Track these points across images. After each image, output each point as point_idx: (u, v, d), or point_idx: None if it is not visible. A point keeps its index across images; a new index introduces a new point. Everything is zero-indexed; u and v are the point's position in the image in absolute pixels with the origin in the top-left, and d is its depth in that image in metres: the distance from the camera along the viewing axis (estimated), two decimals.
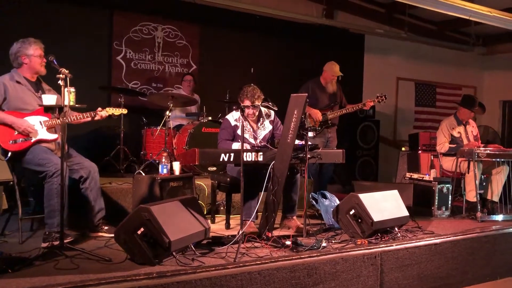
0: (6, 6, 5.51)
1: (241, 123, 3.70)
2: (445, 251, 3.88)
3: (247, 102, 4.09)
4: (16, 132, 3.52)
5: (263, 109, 4.29)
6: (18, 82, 3.62)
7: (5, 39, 5.32)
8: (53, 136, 3.64)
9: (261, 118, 4.32)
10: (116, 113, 4.00)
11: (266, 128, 4.32)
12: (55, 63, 3.44)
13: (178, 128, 5.58)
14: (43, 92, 3.72)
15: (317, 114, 5.50)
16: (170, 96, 5.02)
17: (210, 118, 5.48)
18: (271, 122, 4.36)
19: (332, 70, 5.64)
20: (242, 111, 3.69)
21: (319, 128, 5.53)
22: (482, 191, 5.22)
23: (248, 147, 3.99)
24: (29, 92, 3.66)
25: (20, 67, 3.65)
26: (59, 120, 3.51)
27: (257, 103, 4.10)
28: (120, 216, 3.34)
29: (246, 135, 4.16)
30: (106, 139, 5.83)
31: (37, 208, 3.87)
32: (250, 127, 4.26)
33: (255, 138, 4.25)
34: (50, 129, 3.64)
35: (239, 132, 4.13)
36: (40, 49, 3.61)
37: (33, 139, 3.56)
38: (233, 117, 4.24)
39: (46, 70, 3.71)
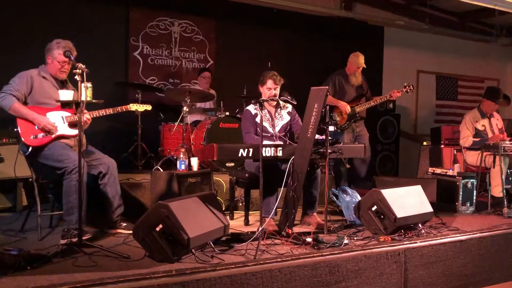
0: (23, 4, 5.53)
1: (260, 118, 3.67)
2: (471, 248, 3.77)
3: (269, 82, 4.09)
4: (37, 128, 3.52)
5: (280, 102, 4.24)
6: (44, 77, 3.64)
7: (22, 35, 5.44)
8: (74, 131, 3.62)
9: (279, 108, 4.28)
10: (140, 109, 4.04)
11: (284, 118, 4.28)
12: (72, 58, 3.44)
13: (196, 124, 5.54)
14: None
15: (346, 107, 5.31)
16: (187, 91, 4.98)
17: (227, 113, 5.43)
18: (289, 114, 4.32)
19: (355, 62, 5.44)
20: (261, 105, 3.62)
21: (347, 123, 5.36)
22: (508, 186, 5.06)
23: (268, 136, 3.99)
24: (54, 88, 3.67)
25: (46, 64, 3.68)
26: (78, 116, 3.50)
27: (279, 84, 4.11)
28: (138, 213, 3.31)
29: (266, 124, 4.16)
30: (124, 136, 5.83)
31: (56, 205, 3.88)
32: (269, 116, 4.22)
33: (274, 127, 4.21)
34: (72, 124, 3.62)
35: (258, 120, 4.13)
36: (62, 56, 3.57)
37: (54, 135, 3.55)
38: (252, 106, 4.23)
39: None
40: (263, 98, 4.08)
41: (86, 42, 5.57)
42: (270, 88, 4.11)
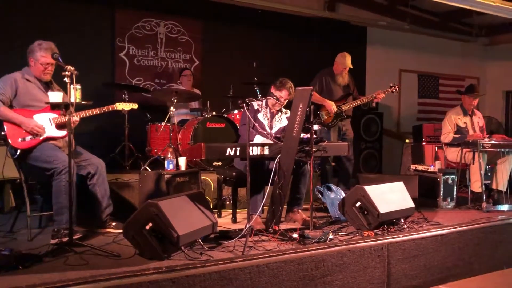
0: (6, 4, 5.50)
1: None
2: (451, 242, 3.89)
3: (284, 92, 4.17)
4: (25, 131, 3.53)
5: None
6: (28, 80, 3.64)
7: (7, 35, 5.41)
8: (62, 133, 3.64)
9: (279, 112, 4.36)
10: (126, 108, 4.06)
11: (282, 122, 4.35)
12: (60, 60, 3.45)
13: (182, 124, 5.58)
14: (52, 91, 3.72)
15: (331, 106, 5.37)
16: (174, 91, 5.02)
17: (214, 113, 5.48)
18: (288, 119, 4.38)
19: (342, 62, 5.51)
20: (247, 105, 3.69)
21: (334, 121, 5.43)
22: (487, 182, 5.21)
23: (262, 134, 4.11)
24: (39, 89, 3.66)
25: (29, 66, 3.67)
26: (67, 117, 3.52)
27: (290, 98, 4.15)
28: (126, 212, 3.36)
29: (265, 121, 4.27)
30: (111, 136, 5.84)
31: (44, 206, 3.89)
32: (269, 115, 4.32)
33: (271, 127, 4.31)
34: (59, 126, 3.64)
35: (259, 116, 4.26)
36: (46, 58, 3.57)
37: (42, 137, 3.57)
38: (257, 102, 4.34)
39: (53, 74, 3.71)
40: (270, 98, 4.19)
41: (71, 43, 5.59)
42: (282, 97, 4.18)
